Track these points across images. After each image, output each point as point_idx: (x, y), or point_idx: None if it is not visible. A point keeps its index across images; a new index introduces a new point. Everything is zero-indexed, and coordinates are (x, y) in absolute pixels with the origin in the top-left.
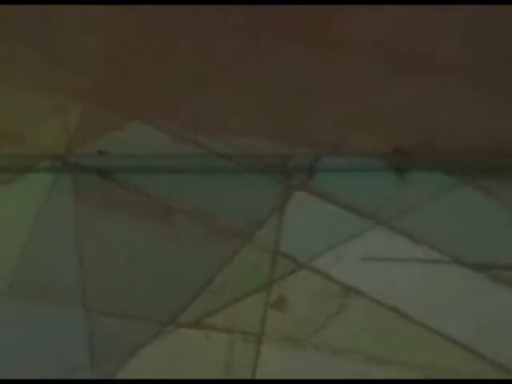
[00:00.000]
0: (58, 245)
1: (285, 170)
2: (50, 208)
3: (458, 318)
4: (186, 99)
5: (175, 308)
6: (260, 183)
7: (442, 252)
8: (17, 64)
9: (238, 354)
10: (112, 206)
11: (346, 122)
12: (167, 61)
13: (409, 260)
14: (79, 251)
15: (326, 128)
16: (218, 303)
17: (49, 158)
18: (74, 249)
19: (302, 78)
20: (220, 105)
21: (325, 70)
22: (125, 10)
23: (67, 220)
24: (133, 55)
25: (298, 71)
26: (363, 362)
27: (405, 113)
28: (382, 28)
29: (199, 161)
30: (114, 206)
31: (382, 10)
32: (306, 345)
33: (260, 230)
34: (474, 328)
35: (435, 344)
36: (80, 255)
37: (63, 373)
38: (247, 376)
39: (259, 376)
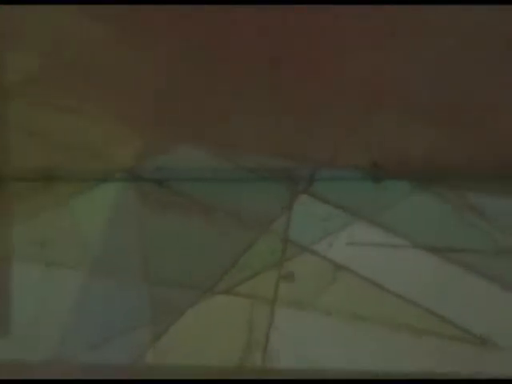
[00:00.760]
0: (125, 236)
1: (291, 179)
2: (121, 209)
3: (420, 286)
4: (219, 126)
5: (212, 280)
6: (273, 189)
7: (406, 238)
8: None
9: (257, 313)
10: (166, 207)
11: (337, 142)
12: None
13: (382, 245)
14: (142, 241)
15: (323, 147)
16: (243, 277)
17: (120, 170)
18: (138, 239)
19: (302, 114)
20: (242, 130)
21: (320, 106)
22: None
23: (133, 217)
24: (174, 91)
25: (298, 107)
26: (350, 320)
27: (381, 138)
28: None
29: (229, 173)
30: (168, 207)
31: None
32: (308, 307)
33: (274, 223)
34: (433, 294)
35: (402, 307)
36: (142, 243)
37: (127, 330)
38: (264, 331)
39: (273, 330)
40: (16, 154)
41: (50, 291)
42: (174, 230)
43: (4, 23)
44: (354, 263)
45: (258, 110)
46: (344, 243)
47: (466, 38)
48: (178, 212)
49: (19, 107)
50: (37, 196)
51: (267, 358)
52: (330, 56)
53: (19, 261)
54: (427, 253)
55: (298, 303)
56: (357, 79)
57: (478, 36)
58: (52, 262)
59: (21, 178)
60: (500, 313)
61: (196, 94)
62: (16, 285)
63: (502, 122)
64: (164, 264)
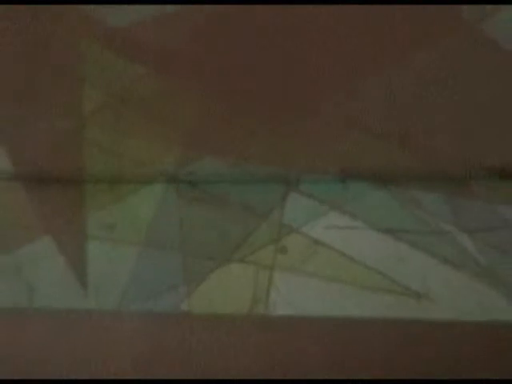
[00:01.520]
0: (168, 222)
1: (284, 181)
2: (164, 203)
3: (377, 257)
4: (232, 141)
5: (229, 252)
6: (271, 188)
7: (366, 223)
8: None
9: (260, 276)
10: (197, 202)
11: (317, 154)
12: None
13: (349, 227)
14: (179, 225)
15: (307, 157)
16: (250, 250)
17: (163, 174)
18: (177, 224)
19: (292, 134)
20: (249, 145)
21: (305, 127)
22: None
23: (173, 209)
24: (202, 116)
25: (289, 130)
26: (328, 281)
27: (350, 149)
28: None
29: (240, 176)
30: (198, 202)
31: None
32: (297, 271)
33: (272, 212)
34: (385, 263)
35: (364, 272)
36: (179, 227)
37: (169, 288)
38: (265, 289)
39: (272, 288)
40: (90, 164)
41: (115, 260)
42: (202, 217)
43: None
44: (329, 240)
45: (259, 132)
46: (323, 226)
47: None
48: (204, 205)
49: (93, 129)
50: (104, 194)
51: (268, 308)
52: (313, 93)
53: (93, 239)
54: (381, 233)
55: (289, 269)
56: (333, 105)
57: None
58: (116, 240)
59: (91, 181)
60: (430, 275)
61: (215, 118)
62: (91, 256)
63: (434, 139)
64: (194, 241)
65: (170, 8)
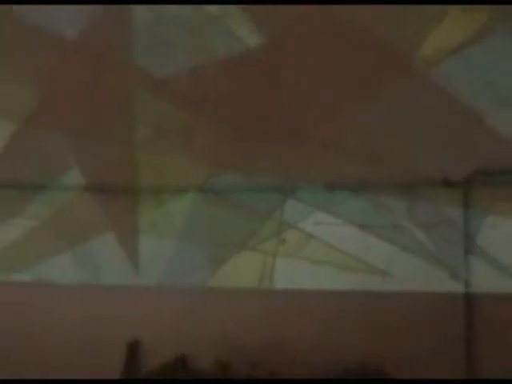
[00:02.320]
0: (196, 221)
1: (283, 189)
2: (195, 206)
3: (353, 245)
4: (245, 159)
5: (242, 243)
6: (273, 195)
7: (346, 220)
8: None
9: (266, 261)
10: (219, 206)
11: (307, 171)
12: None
13: (332, 224)
14: (207, 226)
15: (299, 173)
16: (258, 241)
17: (194, 185)
18: (205, 225)
19: (291, 157)
20: (259, 163)
21: (299, 151)
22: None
23: (201, 210)
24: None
25: (288, 155)
26: (317, 263)
27: (334, 167)
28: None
29: (251, 186)
30: (221, 206)
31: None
32: (294, 257)
33: (274, 212)
34: (359, 249)
35: (344, 257)
36: (206, 226)
37: (198, 268)
38: (270, 269)
39: (275, 269)
40: (140, 179)
41: (158, 249)
42: (222, 217)
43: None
44: (318, 234)
45: (264, 153)
46: (313, 223)
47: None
48: (224, 208)
49: (142, 153)
50: (150, 201)
51: (272, 283)
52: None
53: (143, 234)
54: (356, 228)
55: (288, 255)
56: (321, 132)
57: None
58: (159, 235)
59: (141, 192)
60: (392, 258)
61: (230, 143)
62: (142, 246)
63: (396, 157)
64: (216, 235)
65: (197, 62)
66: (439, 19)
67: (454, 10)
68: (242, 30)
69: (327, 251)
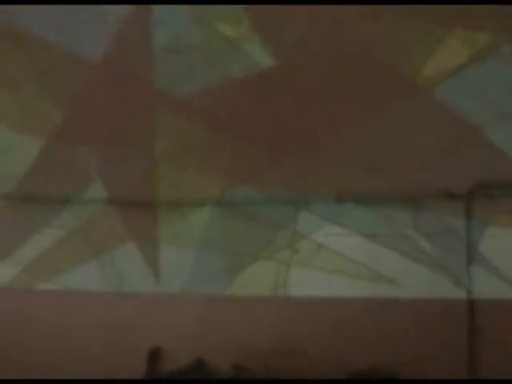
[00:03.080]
0: (214, 232)
1: (296, 202)
2: (212, 221)
3: (361, 254)
4: (261, 175)
5: (259, 252)
6: (288, 208)
7: (354, 231)
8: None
9: (280, 269)
10: (236, 218)
11: (318, 188)
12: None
13: (341, 234)
14: (224, 236)
15: (311, 186)
16: (273, 250)
17: (212, 199)
18: (222, 235)
19: (299, 174)
20: (273, 179)
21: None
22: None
23: (217, 221)
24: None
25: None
26: (329, 272)
27: (343, 184)
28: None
29: (266, 200)
30: (237, 218)
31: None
32: (307, 266)
33: (289, 224)
34: (367, 258)
35: (353, 265)
36: (224, 237)
37: (216, 277)
38: (284, 277)
39: (290, 278)
40: (161, 192)
41: (178, 259)
42: (239, 228)
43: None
44: (329, 244)
45: (278, 168)
46: (324, 234)
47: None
48: (241, 220)
49: (162, 167)
50: (170, 214)
51: (286, 291)
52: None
53: (163, 244)
54: (364, 238)
55: (301, 264)
56: (331, 148)
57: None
58: (179, 245)
59: (162, 204)
60: (398, 266)
61: (246, 159)
62: (162, 255)
63: (401, 171)
64: (234, 245)
65: (214, 82)
66: (442, 40)
67: (456, 30)
68: (256, 52)
69: (337, 260)
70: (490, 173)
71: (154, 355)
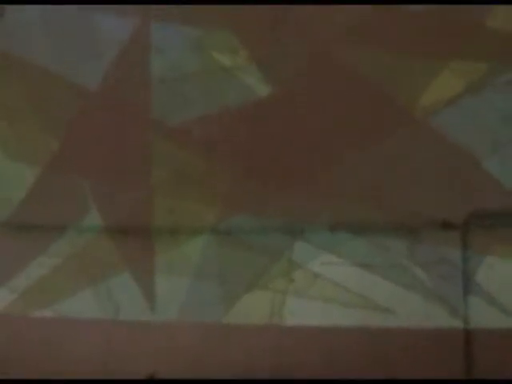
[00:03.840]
0: (209, 260)
1: (292, 232)
2: (207, 250)
3: (356, 283)
4: (257, 204)
5: (254, 281)
6: (284, 237)
7: (349, 260)
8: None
9: (276, 298)
10: (232, 246)
11: (314, 215)
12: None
13: (337, 264)
14: (220, 265)
15: (306, 216)
16: (269, 280)
17: (207, 227)
18: (218, 264)
19: (294, 204)
20: (268, 208)
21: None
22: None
23: (213, 249)
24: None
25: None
26: (323, 300)
27: (337, 212)
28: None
29: (263, 228)
30: (233, 246)
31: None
32: (302, 295)
33: (284, 252)
34: (362, 286)
35: (347, 294)
36: (220, 266)
37: (211, 304)
38: (280, 306)
39: (285, 307)
40: (157, 220)
41: (173, 288)
42: (234, 257)
43: None
44: (324, 273)
45: (273, 197)
46: (319, 263)
47: None
48: (236, 248)
49: (158, 196)
50: (166, 242)
51: (281, 320)
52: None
53: (159, 273)
54: (359, 267)
55: (296, 293)
56: (325, 180)
57: None
58: (174, 274)
59: (157, 233)
60: (393, 295)
61: (241, 188)
62: (157, 284)
63: (396, 201)
64: (229, 274)
65: (211, 110)
66: (438, 71)
67: (453, 61)
68: (252, 80)
69: (333, 290)
70: (486, 202)
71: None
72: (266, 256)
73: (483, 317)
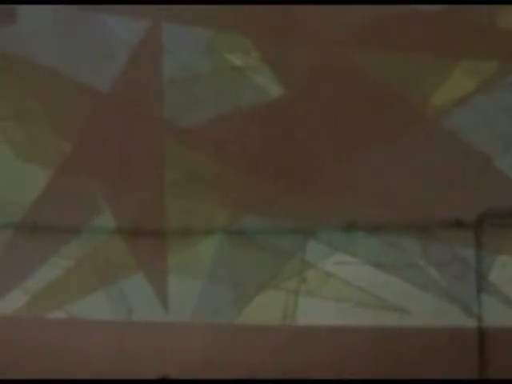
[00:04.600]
0: (222, 260)
1: (304, 231)
2: (220, 251)
3: (369, 282)
4: (269, 206)
5: (267, 281)
6: (297, 238)
7: (362, 259)
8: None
9: (289, 298)
10: (244, 247)
11: (326, 217)
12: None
13: (350, 263)
14: (232, 266)
15: (319, 215)
16: (281, 280)
17: (220, 228)
18: (230, 265)
19: (307, 204)
20: (280, 209)
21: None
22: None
23: (226, 250)
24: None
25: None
26: (336, 300)
27: (353, 211)
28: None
29: (274, 229)
30: (245, 247)
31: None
32: (314, 295)
33: (297, 253)
34: (375, 286)
35: (360, 293)
36: (232, 266)
37: (224, 307)
38: (292, 307)
39: (298, 308)
40: (169, 221)
41: (187, 288)
42: (247, 258)
43: None
44: (337, 273)
45: (285, 198)
46: (332, 263)
47: None
48: (249, 249)
49: (170, 197)
50: (179, 243)
51: (294, 320)
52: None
53: (172, 274)
54: (373, 267)
55: (309, 293)
56: (338, 178)
57: None
58: (188, 275)
59: (170, 234)
60: (407, 295)
61: (254, 189)
62: (171, 285)
63: (410, 200)
64: (242, 275)
65: (222, 111)
66: (450, 71)
67: (464, 61)
68: (264, 81)
69: (346, 289)
70: (498, 201)
71: None
72: (279, 256)
73: (497, 316)
